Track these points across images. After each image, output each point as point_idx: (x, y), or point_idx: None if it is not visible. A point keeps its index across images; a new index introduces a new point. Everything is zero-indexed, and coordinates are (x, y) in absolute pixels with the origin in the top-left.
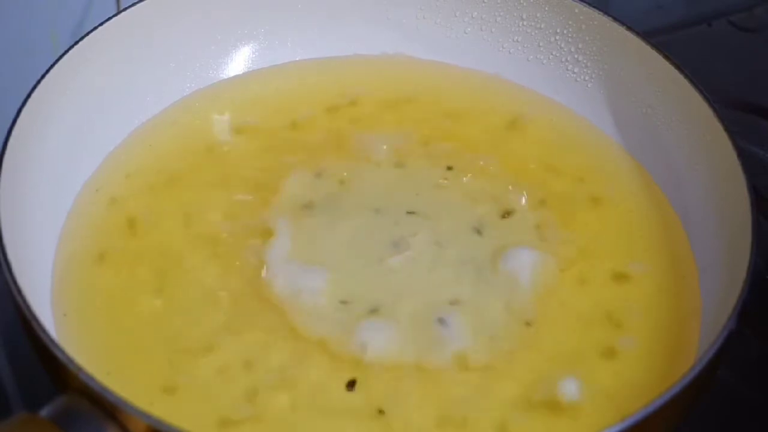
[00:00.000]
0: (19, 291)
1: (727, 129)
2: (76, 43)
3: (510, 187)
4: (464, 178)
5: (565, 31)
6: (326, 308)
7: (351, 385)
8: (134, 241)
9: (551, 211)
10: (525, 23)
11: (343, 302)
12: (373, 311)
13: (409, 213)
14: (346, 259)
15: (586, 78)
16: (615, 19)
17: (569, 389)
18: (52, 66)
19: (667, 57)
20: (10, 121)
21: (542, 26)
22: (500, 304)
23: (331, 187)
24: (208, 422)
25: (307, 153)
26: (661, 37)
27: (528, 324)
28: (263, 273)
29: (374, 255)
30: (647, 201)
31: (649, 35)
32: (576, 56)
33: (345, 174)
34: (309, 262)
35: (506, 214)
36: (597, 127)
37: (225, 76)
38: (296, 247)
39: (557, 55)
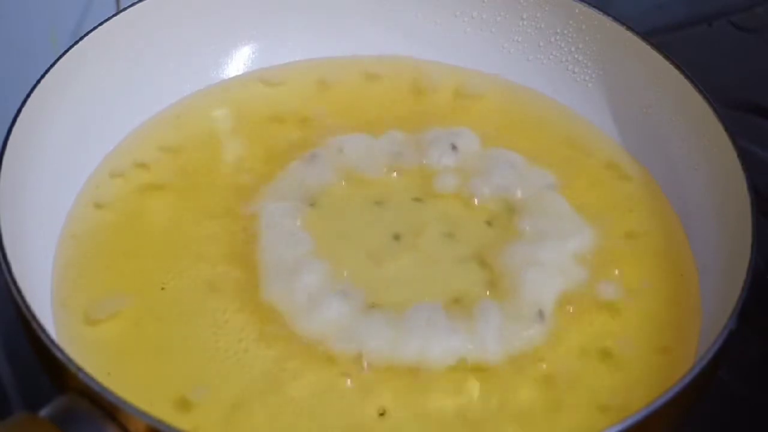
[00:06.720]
0: (19, 291)
1: (727, 129)
2: (76, 43)
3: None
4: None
5: (565, 31)
6: (325, 304)
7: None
8: (135, 240)
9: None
10: (525, 23)
11: (343, 296)
12: (374, 305)
13: (415, 200)
14: (347, 251)
15: (586, 78)
16: (615, 19)
17: None
18: (52, 66)
19: (667, 57)
20: (10, 121)
21: (542, 26)
22: (506, 300)
23: (331, 181)
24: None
25: (306, 148)
26: (661, 37)
27: (539, 320)
28: (261, 267)
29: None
30: (647, 201)
31: (649, 35)
32: (576, 56)
33: (345, 169)
34: (309, 255)
35: (509, 210)
36: (597, 127)
37: (225, 76)
38: (297, 240)
39: (557, 55)
